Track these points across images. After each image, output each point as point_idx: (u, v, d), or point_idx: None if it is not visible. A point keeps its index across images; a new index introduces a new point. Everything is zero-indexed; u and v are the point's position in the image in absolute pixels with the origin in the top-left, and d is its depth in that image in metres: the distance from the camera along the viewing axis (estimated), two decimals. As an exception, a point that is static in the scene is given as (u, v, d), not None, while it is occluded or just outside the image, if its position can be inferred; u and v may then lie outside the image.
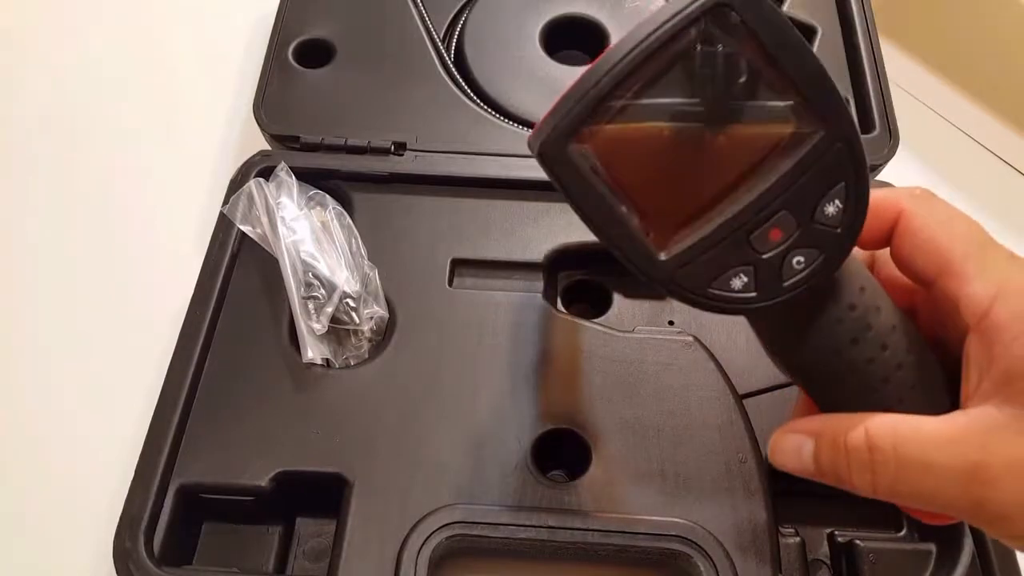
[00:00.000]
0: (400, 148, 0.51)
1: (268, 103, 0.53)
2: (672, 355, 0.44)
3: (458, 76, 0.55)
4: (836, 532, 0.41)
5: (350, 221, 0.48)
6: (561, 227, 0.49)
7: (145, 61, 0.65)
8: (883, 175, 0.52)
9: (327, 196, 0.49)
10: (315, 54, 0.56)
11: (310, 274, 0.45)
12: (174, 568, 0.39)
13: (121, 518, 0.39)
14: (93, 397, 0.50)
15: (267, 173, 0.49)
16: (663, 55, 0.26)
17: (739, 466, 0.41)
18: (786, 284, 0.28)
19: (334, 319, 0.45)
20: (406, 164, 0.51)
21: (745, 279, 0.28)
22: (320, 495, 0.41)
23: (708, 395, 0.43)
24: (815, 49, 0.56)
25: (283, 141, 0.52)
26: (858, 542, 0.40)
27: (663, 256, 0.28)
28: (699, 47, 0.26)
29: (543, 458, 0.42)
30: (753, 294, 0.29)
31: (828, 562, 0.41)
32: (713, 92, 0.27)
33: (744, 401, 0.43)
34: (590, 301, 0.50)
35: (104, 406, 0.49)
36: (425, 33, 0.57)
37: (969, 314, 0.28)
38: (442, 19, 0.59)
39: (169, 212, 0.57)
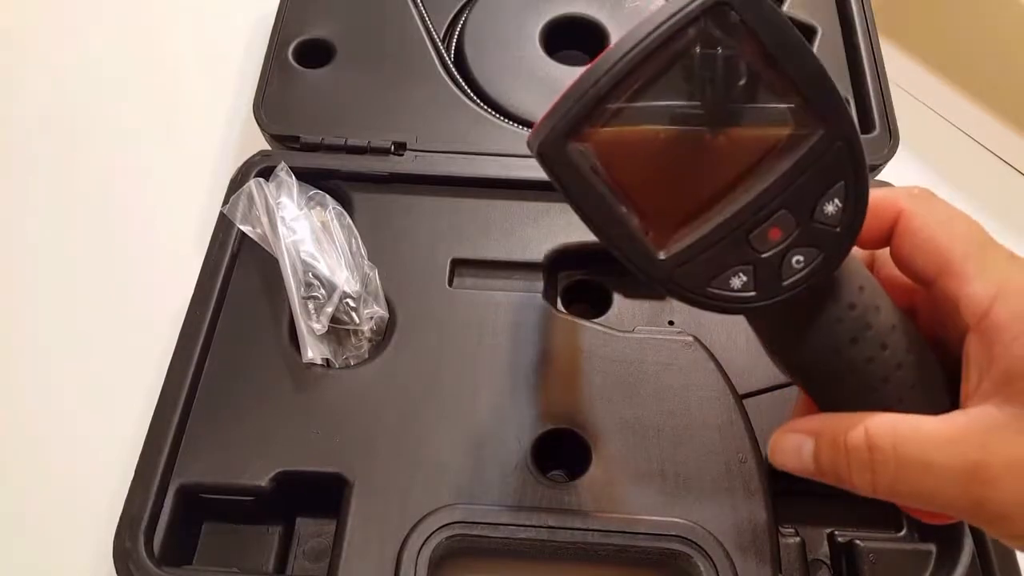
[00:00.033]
0: (400, 148, 0.51)
1: (268, 103, 0.53)
2: (672, 355, 0.44)
3: (458, 76, 0.55)
4: (836, 532, 0.41)
5: (350, 221, 0.48)
6: (561, 227, 0.49)
7: (145, 61, 0.65)
8: (883, 175, 0.52)
9: (327, 196, 0.49)
10: (315, 54, 0.56)
11: (310, 274, 0.45)
12: (174, 568, 0.39)
13: (121, 518, 0.39)
14: (93, 397, 0.50)
15: (267, 173, 0.49)
16: (662, 54, 0.26)
17: (739, 466, 0.41)
18: (785, 283, 0.29)
19: (334, 319, 0.45)
20: (406, 164, 0.51)
21: (744, 278, 0.28)
22: (320, 495, 0.41)
23: (708, 395, 0.43)
24: (815, 49, 0.56)
25: (283, 141, 0.52)
26: (858, 542, 0.40)
27: (662, 255, 0.28)
28: (699, 48, 0.26)
29: (543, 458, 0.42)
30: (752, 293, 0.29)
31: (828, 562, 0.41)
32: (713, 91, 0.27)
33: (744, 401, 0.43)
34: (590, 301, 0.50)
35: (104, 406, 0.49)
36: (425, 33, 0.57)
37: (969, 314, 0.28)
38: (442, 19, 0.59)
39: (169, 212, 0.57)
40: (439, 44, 0.57)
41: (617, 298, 0.49)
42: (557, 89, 0.27)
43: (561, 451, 0.42)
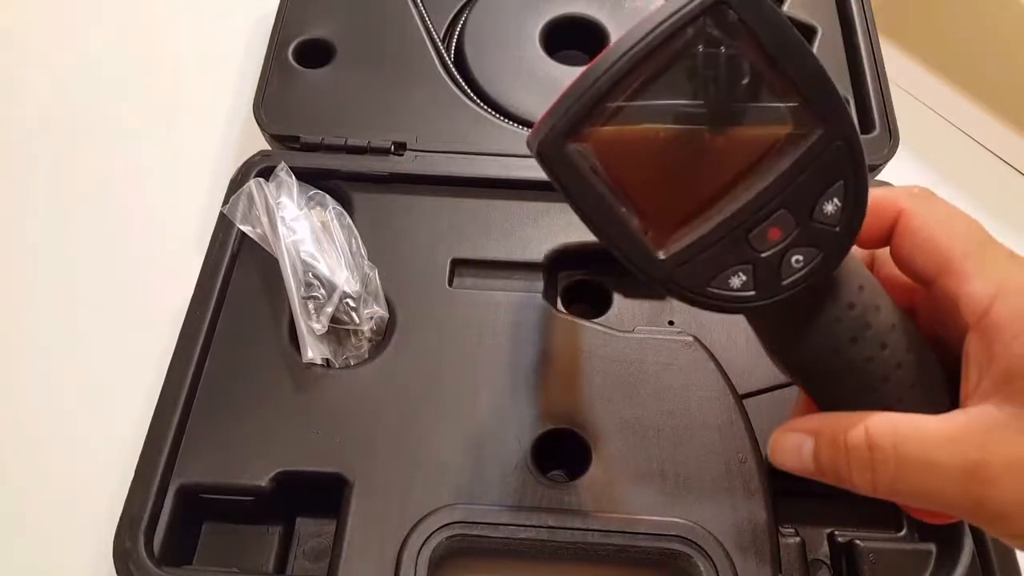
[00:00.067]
0: (400, 148, 0.51)
1: (268, 103, 0.53)
2: (672, 355, 0.44)
3: (458, 76, 0.55)
4: (836, 532, 0.41)
5: (350, 221, 0.48)
6: (561, 227, 0.49)
7: (145, 61, 0.65)
8: (883, 175, 0.52)
9: (327, 196, 0.49)
10: (315, 54, 0.56)
11: (310, 274, 0.45)
12: (174, 568, 0.39)
13: (121, 518, 0.39)
14: (93, 397, 0.50)
15: (267, 173, 0.49)
16: (662, 54, 0.26)
17: (739, 466, 0.41)
18: (785, 283, 0.29)
19: (334, 319, 0.45)
20: (406, 164, 0.51)
21: (744, 278, 0.28)
22: (320, 495, 0.41)
23: (708, 395, 0.43)
24: (815, 49, 0.56)
25: (283, 141, 0.52)
26: (858, 542, 0.40)
27: (662, 255, 0.28)
28: (698, 47, 0.26)
29: (543, 458, 0.42)
30: (752, 293, 0.29)
31: (828, 562, 0.41)
32: (712, 91, 0.27)
33: (744, 401, 0.43)
34: (590, 301, 0.50)
35: (104, 406, 0.49)
36: (425, 33, 0.57)
37: (969, 313, 0.28)
38: (442, 19, 0.59)
39: (169, 212, 0.57)
40: (439, 44, 0.57)
41: (617, 298, 0.49)
42: (557, 89, 0.27)
43: (561, 451, 0.42)
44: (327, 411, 0.43)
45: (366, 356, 0.45)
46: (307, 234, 0.46)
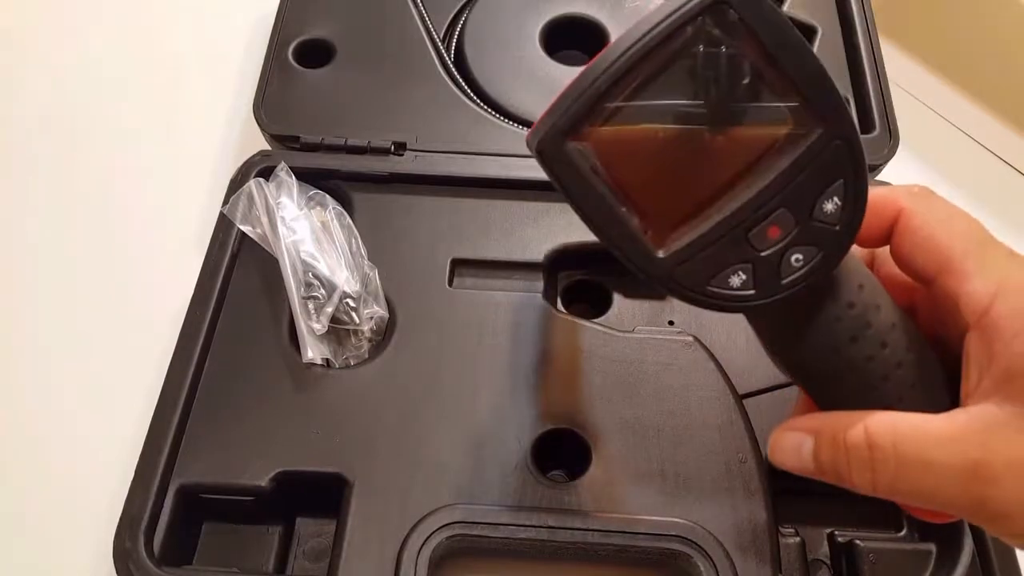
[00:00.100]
0: (400, 148, 0.51)
1: (268, 103, 0.53)
2: (672, 355, 0.44)
3: (458, 76, 0.55)
4: (836, 532, 0.41)
5: (350, 221, 0.48)
6: (561, 227, 0.49)
7: (145, 61, 0.65)
8: (883, 175, 0.52)
9: (327, 196, 0.49)
10: (315, 54, 0.56)
11: (310, 274, 0.45)
12: (174, 568, 0.39)
13: (121, 518, 0.39)
14: (93, 397, 0.50)
15: (267, 173, 0.49)
16: (661, 53, 0.26)
17: (739, 466, 0.41)
18: (784, 282, 0.28)
19: (334, 319, 0.45)
20: (406, 164, 0.51)
21: (743, 277, 0.28)
22: (320, 495, 0.41)
23: (708, 395, 0.43)
24: (815, 49, 0.56)
25: (283, 141, 0.52)
26: (858, 542, 0.40)
27: (661, 254, 0.28)
28: (698, 46, 0.26)
29: (543, 458, 0.42)
30: (751, 292, 0.29)
31: (828, 562, 0.41)
32: (712, 89, 0.27)
33: (744, 401, 0.43)
34: (590, 301, 0.50)
35: (104, 406, 0.49)
36: (425, 33, 0.57)
37: (969, 312, 0.28)
38: (442, 19, 0.59)
39: (169, 212, 0.57)
40: (439, 44, 0.57)
41: (617, 298, 0.49)
42: (557, 89, 0.27)
43: (561, 451, 0.42)
44: (327, 411, 0.43)
45: (366, 356, 0.45)
46: (307, 234, 0.46)
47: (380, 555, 0.38)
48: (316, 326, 0.44)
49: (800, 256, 0.28)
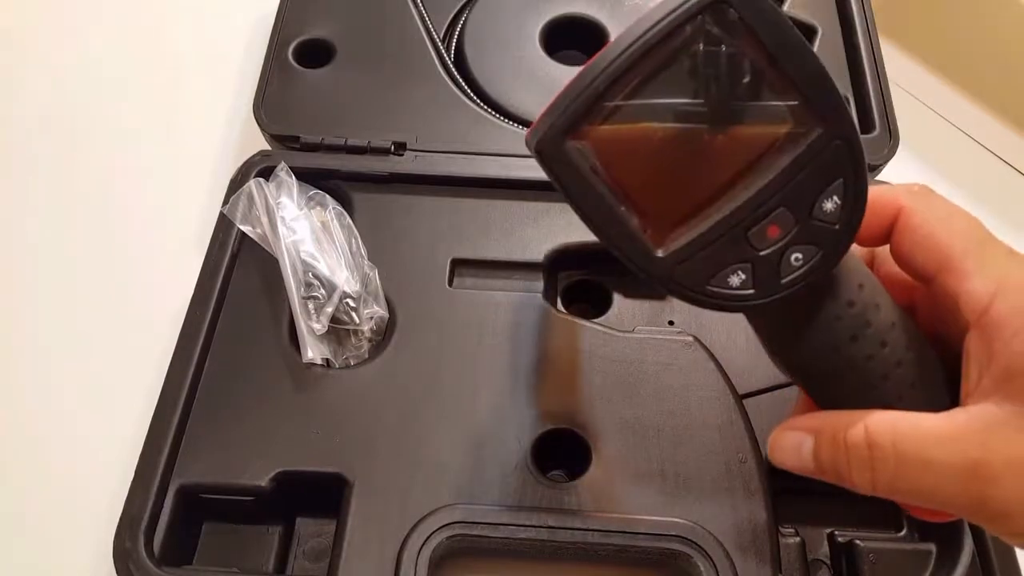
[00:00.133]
0: (400, 148, 0.51)
1: (268, 103, 0.53)
2: (672, 355, 0.44)
3: (458, 76, 0.55)
4: (836, 532, 0.41)
5: (350, 221, 0.48)
6: (561, 227, 0.49)
7: (145, 61, 0.65)
8: (883, 175, 0.52)
9: (327, 196, 0.49)
10: (315, 54, 0.56)
11: (310, 274, 0.45)
12: (174, 568, 0.39)
13: (121, 518, 0.39)
14: (93, 397, 0.50)
15: (267, 173, 0.49)
16: (660, 52, 0.26)
17: (739, 466, 0.41)
18: (784, 281, 0.28)
19: (334, 319, 0.45)
20: (406, 164, 0.51)
21: (743, 276, 0.28)
22: (320, 495, 0.41)
23: (708, 395, 0.43)
24: (815, 49, 0.56)
25: (283, 141, 0.52)
26: (858, 542, 0.40)
27: (661, 253, 0.28)
28: (697, 45, 0.26)
29: (543, 458, 0.42)
30: (751, 291, 0.29)
31: (828, 562, 0.41)
32: (711, 88, 0.27)
33: (744, 401, 0.43)
34: (590, 301, 0.50)
35: (104, 406, 0.49)
36: (425, 33, 0.57)
37: (969, 310, 0.28)
38: (442, 19, 0.59)
39: (169, 212, 0.57)
40: (439, 44, 0.57)
41: (617, 298, 0.49)
42: (557, 89, 0.27)
43: (561, 451, 0.42)
44: (327, 411, 0.43)
45: (366, 356, 0.45)
46: (307, 234, 0.46)
47: (380, 555, 0.38)
48: (316, 326, 0.44)
49: (800, 255, 0.28)
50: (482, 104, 0.54)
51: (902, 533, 0.42)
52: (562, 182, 0.28)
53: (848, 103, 0.53)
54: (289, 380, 0.44)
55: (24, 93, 0.64)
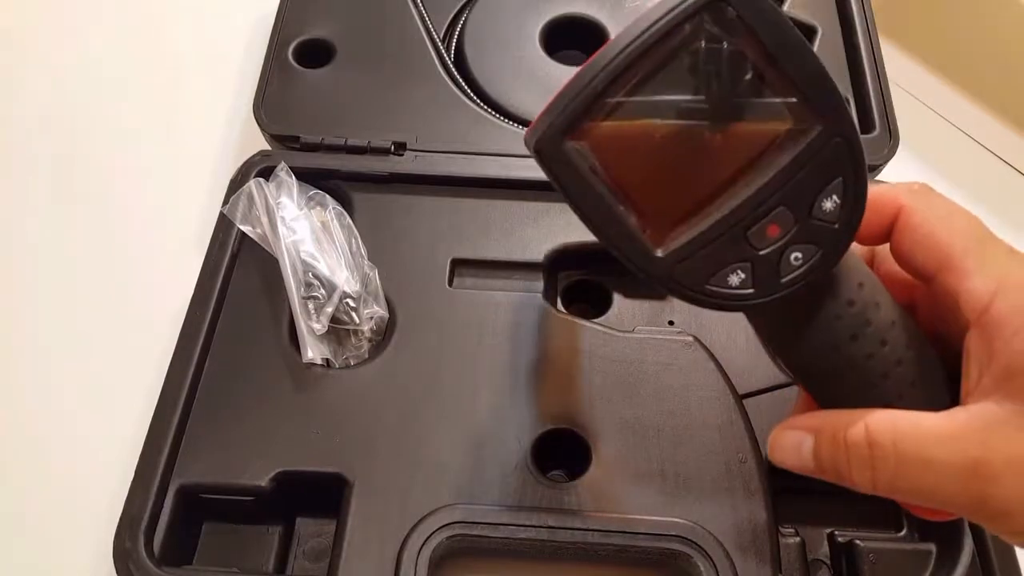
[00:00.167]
0: (400, 148, 0.51)
1: (268, 103, 0.53)
2: (672, 355, 0.44)
3: (458, 76, 0.55)
4: (836, 532, 0.41)
5: (350, 221, 0.48)
6: (561, 227, 0.49)
7: (145, 61, 0.65)
8: (883, 175, 0.52)
9: (327, 196, 0.49)
10: (315, 54, 0.56)
11: (310, 274, 0.45)
12: (174, 568, 0.39)
13: (121, 518, 0.39)
14: (93, 397, 0.50)
15: (267, 173, 0.49)
16: (659, 51, 0.26)
17: (739, 466, 0.41)
18: (784, 280, 0.28)
19: (334, 319, 0.45)
20: (406, 164, 0.51)
21: (743, 275, 0.28)
22: (320, 495, 0.41)
23: (708, 395, 0.43)
24: (815, 49, 0.56)
25: (283, 141, 0.52)
26: (858, 542, 0.40)
27: (660, 252, 0.28)
28: (698, 43, 0.26)
29: (543, 458, 0.42)
30: (751, 290, 0.29)
31: (828, 562, 0.41)
32: (709, 88, 0.27)
33: (744, 401, 0.43)
34: (590, 301, 0.50)
35: (104, 406, 0.49)
36: (425, 33, 0.57)
37: (969, 309, 0.28)
38: (442, 19, 0.59)
39: (169, 212, 0.57)
40: (439, 44, 0.57)
41: (617, 298, 0.49)
42: (557, 89, 0.27)
43: (561, 451, 0.42)
44: (327, 411, 0.43)
45: (366, 356, 0.45)
46: (307, 234, 0.46)
47: (380, 555, 0.38)
48: (316, 326, 0.44)
49: (799, 254, 0.28)
50: (482, 104, 0.54)
51: (902, 533, 0.42)
52: (561, 182, 0.28)
53: (848, 103, 0.53)
54: (289, 380, 0.44)
55: (24, 93, 0.64)
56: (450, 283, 0.47)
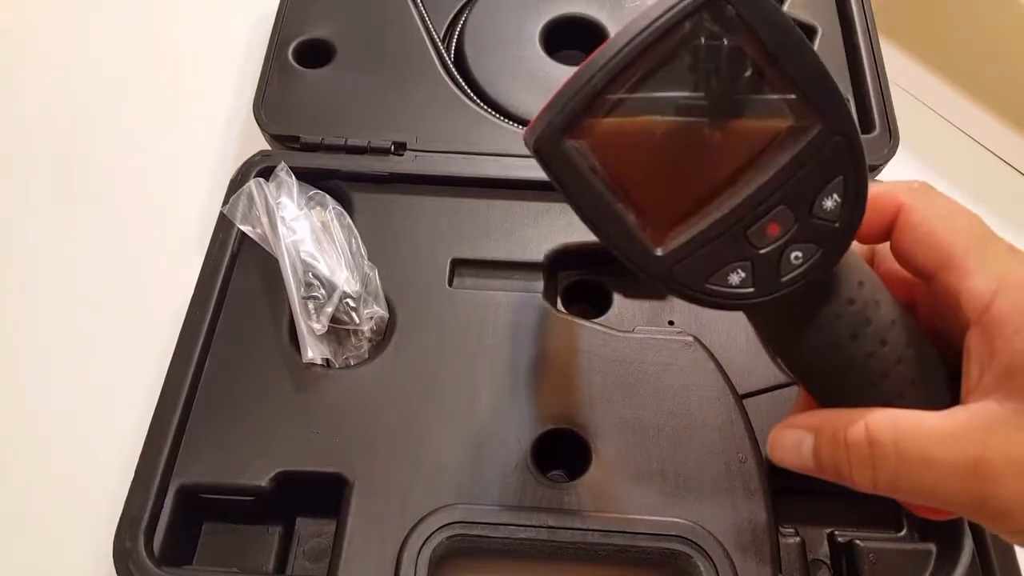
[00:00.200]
0: (400, 148, 0.51)
1: (268, 103, 0.53)
2: (672, 355, 0.44)
3: (458, 76, 0.55)
4: (836, 532, 0.41)
5: (350, 221, 0.48)
6: (561, 227, 0.49)
7: (145, 61, 0.65)
8: (883, 175, 0.52)
9: (327, 196, 0.49)
10: (315, 54, 0.56)
11: (310, 274, 0.45)
12: (174, 568, 0.39)
13: (121, 518, 0.39)
14: (93, 397, 0.50)
15: (267, 173, 0.49)
16: (658, 50, 0.26)
17: (739, 466, 0.41)
18: (784, 279, 0.28)
19: (334, 319, 0.45)
20: (406, 164, 0.51)
21: (743, 274, 0.28)
22: (320, 495, 0.41)
23: (708, 395, 0.43)
24: (814, 49, 0.56)
25: (283, 141, 0.52)
26: (858, 542, 0.40)
27: (660, 251, 0.28)
28: (698, 41, 0.26)
29: (543, 458, 0.42)
30: (751, 289, 0.29)
31: (828, 562, 0.41)
32: (709, 87, 0.27)
33: (744, 401, 0.43)
34: (590, 301, 0.50)
35: (104, 406, 0.49)
36: (425, 33, 0.57)
37: (970, 308, 0.28)
38: (442, 19, 0.59)
39: (169, 212, 0.57)
40: (439, 44, 0.57)
41: (617, 298, 0.49)
42: (556, 89, 0.27)
43: (561, 451, 0.42)
44: (327, 411, 0.42)
45: (366, 356, 0.45)
46: (307, 234, 0.46)
47: (380, 555, 0.38)
48: (316, 326, 0.44)
49: (799, 253, 0.28)
50: (482, 104, 0.54)
51: (902, 533, 0.42)
52: (560, 180, 0.28)
53: (848, 103, 0.53)
54: (289, 380, 0.44)
55: (24, 93, 0.64)
56: (450, 283, 0.47)
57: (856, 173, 0.28)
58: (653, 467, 0.41)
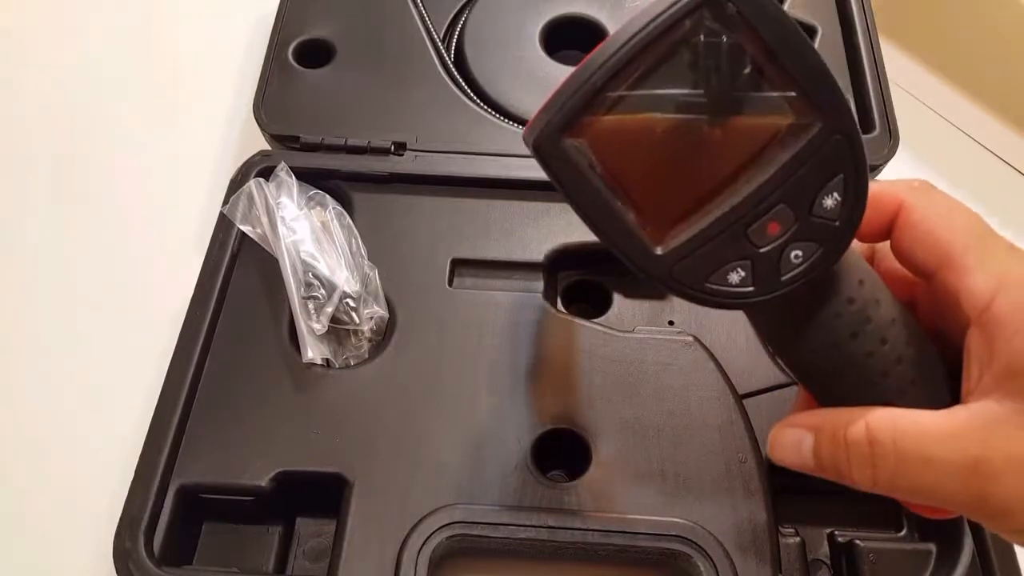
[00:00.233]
0: (400, 148, 0.51)
1: (268, 103, 0.53)
2: (672, 355, 0.44)
3: (458, 76, 0.55)
4: (836, 532, 0.41)
5: (350, 221, 0.48)
6: (561, 227, 0.49)
7: (145, 61, 0.65)
8: (883, 175, 0.52)
9: (327, 196, 0.49)
10: (315, 54, 0.56)
11: (310, 274, 0.45)
12: (174, 568, 0.39)
13: (121, 518, 0.39)
14: (93, 397, 0.50)
15: (267, 173, 0.49)
16: (657, 48, 0.26)
17: (739, 466, 0.41)
18: (784, 278, 0.28)
19: (334, 319, 0.45)
20: (406, 164, 0.51)
21: (743, 273, 0.28)
22: (320, 495, 0.41)
23: (708, 395, 0.43)
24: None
25: (283, 141, 0.52)
26: (858, 542, 0.40)
27: (659, 251, 0.28)
28: (698, 39, 0.26)
29: (543, 458, 0.42)
30: (751, 288, 0.29)
31: (828, 562, 0.41)
32: (708, 85, 0.27)
33: (744, 401, 0.43)
34: (590, 301, 0.50)
35: (104, 406, 0.49)
36: (425, 33, 0.57)
37: (970, 307, 0.28)
38: (442, 19, 0.59)
39: (169, 212, 0.57)
40: (439, 44, 0.57)
41: (617, 298, 0.49)
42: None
43: (561, 451, 0.42)
44: (327, 411, 0.42)
45: (366, 356, 0.45)
46: (307, 234, 0.46)
47: (380, 555, 0.38)
48: (316, 326, 0.44)
49: (800, 252, 0.28)
50: (482, 104, 0.54)
51: (902, 533, 0.42)
52: (560, 179, 0.28)
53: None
54: (289, 380, 0.43)
55: (24, 93, 0.64)
56: (450, 283, 0.47)
57: (856, 171, 0.27)
58: (653, 467, 0.41)
